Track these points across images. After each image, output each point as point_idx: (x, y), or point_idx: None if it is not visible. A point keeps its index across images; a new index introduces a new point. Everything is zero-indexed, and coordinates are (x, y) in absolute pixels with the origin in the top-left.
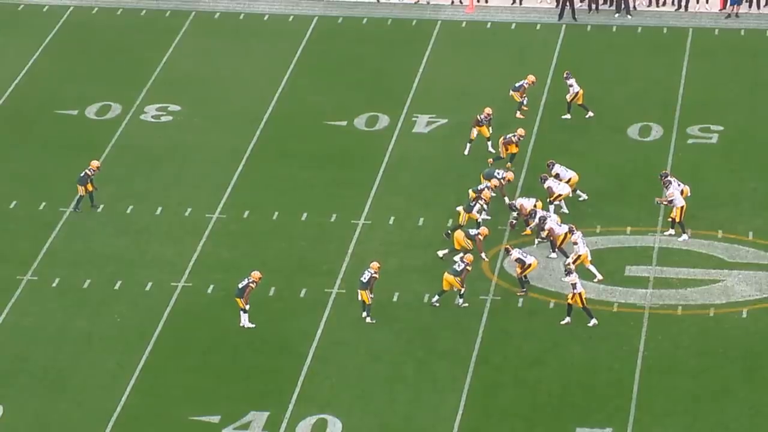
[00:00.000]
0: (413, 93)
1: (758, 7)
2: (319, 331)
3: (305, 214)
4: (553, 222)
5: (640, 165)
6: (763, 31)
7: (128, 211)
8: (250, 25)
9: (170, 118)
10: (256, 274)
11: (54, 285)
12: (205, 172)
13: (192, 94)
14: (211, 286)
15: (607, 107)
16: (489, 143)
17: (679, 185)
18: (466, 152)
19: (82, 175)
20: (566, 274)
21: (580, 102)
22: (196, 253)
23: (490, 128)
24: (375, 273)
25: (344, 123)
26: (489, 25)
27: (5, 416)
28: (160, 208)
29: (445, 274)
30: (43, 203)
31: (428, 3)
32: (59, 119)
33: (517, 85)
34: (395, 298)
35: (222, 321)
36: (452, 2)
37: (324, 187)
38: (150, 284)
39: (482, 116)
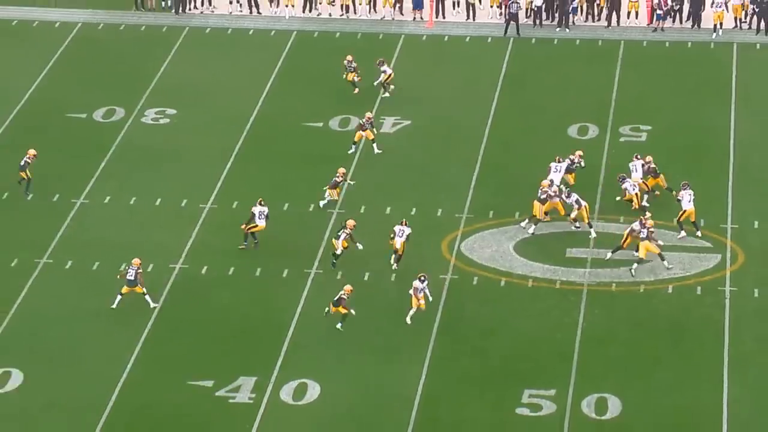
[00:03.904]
0: (380, 98)
1: (681, 22)
2: (299, 307)
3: (287, 205)
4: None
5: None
6: (685, 43)
7: (131, 203)
8: (236, 39)
9: (167, 120)
10: (136, 261)
11: (67, 267)
12: (198, 168)
13: (186, 99)
14: (205, 268)
15: (550, 110)
16: (374, 145)
17: (634, 186)
18: (350, 152)
19: (22, 163)
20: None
21: (387, 81)
22: (191, 238)
23: (374, 130)
24: (345, 294)
25: (320, 124)
26: (446, 38)
27: (25, 383)
28: (159, 200)
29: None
30: (57, 195)
31: (393, 19)
32: (70, 122)
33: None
34: (365, 278)
35: (214, 298)
36: (414, 18)
37: (303, 180)
38: (151, 266)
39: (364, 120)
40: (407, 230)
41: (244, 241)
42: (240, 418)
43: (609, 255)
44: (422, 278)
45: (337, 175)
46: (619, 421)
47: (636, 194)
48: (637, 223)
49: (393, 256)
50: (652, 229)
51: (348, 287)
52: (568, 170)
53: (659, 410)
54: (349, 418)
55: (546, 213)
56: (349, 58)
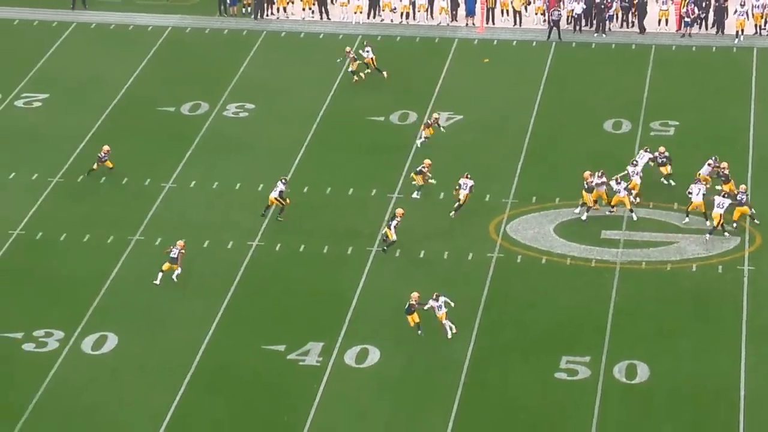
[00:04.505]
0: (436, 95)
1: (706, 28)
2: (362, 281)
3: (351, 190)
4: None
5: (613, 152)
6: (709, 48)
7: (214, 187)
8: (308, 42)
9: (247, 114)
10: (180, 243)
11: (156, 244)
12: (273, 156)
13: (263, 95)
14: (278, 245)
15: (587, 106)
16: (427, 138)
17: (639, 177)
18: (418, 144)
19: (100, 155)
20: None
21: (374, 66)
22: (267, 219)
23: (438, 126)
24: (414, 301)
25: (382, 118)
26: (495, 42)
27: (119, 346)
28: (238, 184)
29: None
30: (148, 180)
31: (448, 25)
32: (160, 114)
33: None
34: (421, 255)
35: (287, 272)
36: (466, 24)
37: (366, 168)
38: (231, 243)
39: (431, 120)
40: (470, 182)
41: (278, 215)
42: (308, 379)
43: (707, 238)
44: (435, 296)
45: (423, 165)
46: (647, 385)
47: (637, 184)
48: (724, 199)
49: (455, 207)
50: (747, 193)
51: (415, 294)
52: (662, 163)
53: (683, 376)
54: (406, 379)
55: (595, 201)
56: (347, 49)
